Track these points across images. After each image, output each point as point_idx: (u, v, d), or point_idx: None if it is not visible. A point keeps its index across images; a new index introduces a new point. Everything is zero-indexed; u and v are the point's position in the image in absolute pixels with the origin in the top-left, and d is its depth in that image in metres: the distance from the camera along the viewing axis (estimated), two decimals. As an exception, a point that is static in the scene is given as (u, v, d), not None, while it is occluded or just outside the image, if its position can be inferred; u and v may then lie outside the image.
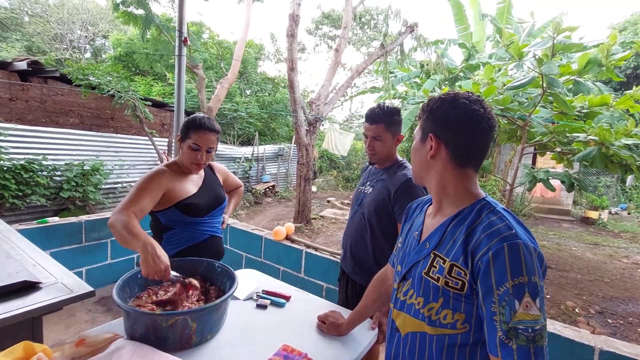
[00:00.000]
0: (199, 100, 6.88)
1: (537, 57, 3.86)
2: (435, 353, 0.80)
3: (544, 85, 4.04)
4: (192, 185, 1.52)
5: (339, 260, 2.38)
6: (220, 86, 6.92)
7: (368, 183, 1.59)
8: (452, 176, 0.84)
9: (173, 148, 6.53)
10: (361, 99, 23.50)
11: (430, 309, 0.81)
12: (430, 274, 0.81)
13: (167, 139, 6.42)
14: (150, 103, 5.55)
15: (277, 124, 12.50)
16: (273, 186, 9.27)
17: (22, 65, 4.97)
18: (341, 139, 7.14)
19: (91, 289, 1.15)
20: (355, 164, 13.38)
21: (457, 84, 6.59)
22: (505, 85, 4.81)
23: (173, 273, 1.22)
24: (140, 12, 5.75)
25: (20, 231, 2.26)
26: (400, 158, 1.56)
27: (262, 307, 1.37)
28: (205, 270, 1.38)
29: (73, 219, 2.75)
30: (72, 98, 5.78)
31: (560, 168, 5.43)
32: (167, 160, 6.39)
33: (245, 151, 8.87)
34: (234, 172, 8.50)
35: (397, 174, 1.46)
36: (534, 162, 10.36)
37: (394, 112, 1.46)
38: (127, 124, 6.72)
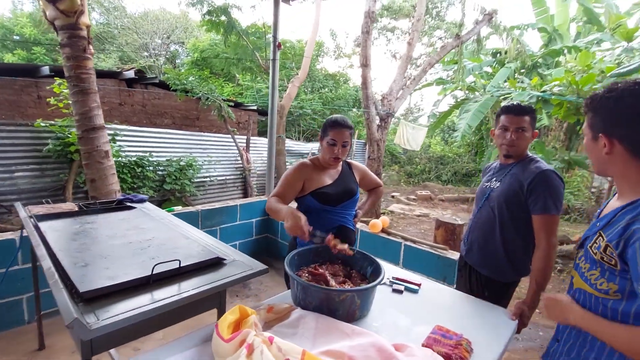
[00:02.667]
0: (273, 99, 7.27)
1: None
2: (592, 306, 0.94)
3: (659, 70, 3.62)
4: (328, 177, 1.71)
5: (439, 254, 2.43)
6: (292, 85, 7.24)
7: (494, 179, 1.63)
8: (634, 167, 0.89)
9: (251, 144, 7.01)
10: (421, 93, 22.71)
11: (591, 274, 0.94)
12: (592, 249, 0.93)
13: (245, 137, 6.89)
14: (232, 104, 6.02)
15: (338, 120, 12.66)
16: (338, 181, 9.43)
17: (130, 74, 5.71)
18: (414, 133, 7.06)
19: (265, 267, 1.36)
20: (417, 159, 13.07)
21: (547, 72, 6.11)
22: (603, 72, 4.39)
23: (318, 233, 1.46)
24: (224, 19, 6.23)
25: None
26: (529, 154, 1.58)
27: (398, 292, 1.49)
28: (344, 255, 1.54)
29: (192, 209, 3.15)
30: (167, 101, 6.49)
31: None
32: (246, 156, 6.88)
33: (312, 147, 9.17)
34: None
35: (529, 167, 1.49)
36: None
37: (534, 109, 1.50)
38: (209, 123, 7.35)
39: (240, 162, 6.83)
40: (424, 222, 7.09)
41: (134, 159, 4.94)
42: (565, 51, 7.49)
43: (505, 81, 7.79)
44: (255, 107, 7.97)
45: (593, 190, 8.22)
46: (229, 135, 6.44)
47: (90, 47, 3.34)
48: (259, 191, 7.33)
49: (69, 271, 1.15)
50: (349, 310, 1.21)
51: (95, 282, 1.08)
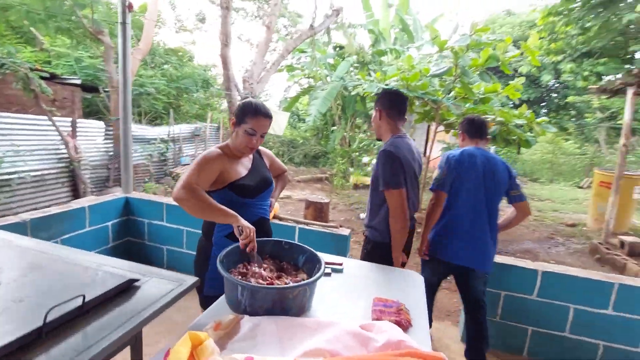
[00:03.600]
0: (108, 73, 5.90)
1: (454, 50, 4.58)
2: None
3: (456, 74, 4.86)
4: (242, 167, 1.55)
5: (332, 232, 2.62)
6: (132, 57, 6.06)
7: None
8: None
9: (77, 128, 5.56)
10: (272, 78, 23.18)
11: None
12: None
13: (68, 119, 5.41)
14: (47, 75, 4.55)
15: (185, 101, 11.48)
16: (193, 169, 8.67)
17: None
18: (277, 118, 7.11)
19: (196, 278, 1.15)
20: (271, 143, 13.35)
21: (383, 69, 7.21)
22: (421, 72, 5.55)
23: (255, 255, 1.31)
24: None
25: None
26: (395, 135, 1.84)
27: (327, 274, 1.53)
28: (272, 248, 1.46)
29: (15, 219, 2.29)
30: None
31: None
32: (73, 143, 5.41)
33: (159, 132, 8.04)
34: (150, 155, 7.67)
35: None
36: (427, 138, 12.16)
37: (380, 93, 1.90)
38: (6, 99, 5.37)
39: (64, 151, 5.33)
40: (288, 204, 7.42)
41: None
42: (388, 52, 9.10)
43: (346, 73, 8.85)
44: (78, 82, 6.29)
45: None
46: (45, 117, 4.90)
47: None
48: (96, 186, 5.96)
49: None
50: (300, 305, 1.17)
51: None
